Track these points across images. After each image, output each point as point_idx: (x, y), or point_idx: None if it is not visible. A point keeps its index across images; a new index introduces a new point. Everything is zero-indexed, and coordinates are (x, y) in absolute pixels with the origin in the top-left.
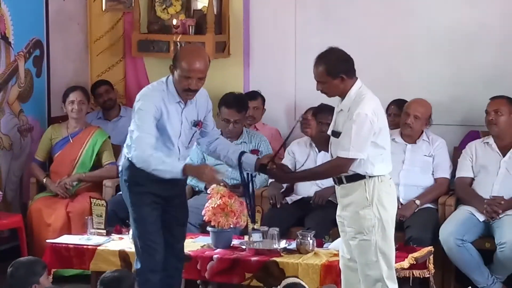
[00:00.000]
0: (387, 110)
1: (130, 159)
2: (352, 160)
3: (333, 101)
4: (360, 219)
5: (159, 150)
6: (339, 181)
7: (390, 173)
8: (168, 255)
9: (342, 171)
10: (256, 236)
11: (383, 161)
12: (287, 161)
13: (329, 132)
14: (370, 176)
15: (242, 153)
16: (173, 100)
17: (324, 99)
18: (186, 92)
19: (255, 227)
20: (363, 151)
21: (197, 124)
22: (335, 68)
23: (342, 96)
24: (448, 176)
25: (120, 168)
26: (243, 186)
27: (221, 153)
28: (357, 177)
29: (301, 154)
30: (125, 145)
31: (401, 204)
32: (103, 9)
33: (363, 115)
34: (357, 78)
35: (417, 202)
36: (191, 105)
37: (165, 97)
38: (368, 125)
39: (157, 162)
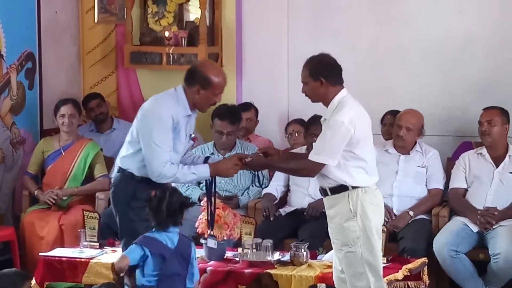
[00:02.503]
0: (382, 120)
1: (130, 171)
2: (320, 165)
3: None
4: (345, 231)
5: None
6: (325, 193)
7: (377, 184)
8: None
9: (309, 174)
10: (211, 242)
11: (366, 173)
12: (279, 175)
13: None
14: (353, 187)
15: (207, 158)
16: (183, 113)
17: (317, 110)
18: (209, 107)
19: (212, 233)
20: (333, 158)
21: (192, 138)
22: (317, 70)
23: (325, 103)
24: (441, 187)
25: (113, 181)
26: (206, 191)
27: (186, 161)
28: (341, 188)
29: None
30: (119, 157)
31: (395, 215)
32: (96, 21)
33: (339, 122)
34: (342, 88)
35: (411, 213)
36: (192, 119)
37: (177, 110)
38: (342, 133)
39: (184, 176)
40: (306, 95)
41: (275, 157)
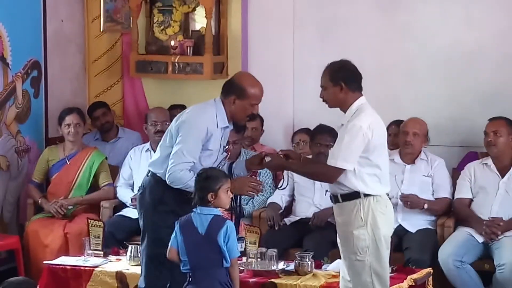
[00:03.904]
0: (387, 130)
1: (159, 175)
2: (339, 170)
3: (331, 122)
4: (354, 239)
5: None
6: (335, 200)
7: (388, 194)
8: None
9: (329, 180)
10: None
11: (379, 182)
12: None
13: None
14: (365, 195)
15: (232, 163)
16: (221, 124)
17: (322, 120)
18: (246, 118)
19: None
20: (350, 162)
21: (226, 150)
22: (337, 75)
23: (343, 108)
24: (449, 196)
25: (142, 184)
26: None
27: None
28: (353, 196)
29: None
30: (151, 161)
31: (400, 224)
32: (101, 30)
33: (357, 126)
34: (361, 95)
35: (425, 206)
36: (227, 131)
37: (214, 121)
38: (360, 137)
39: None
40: (323, 100)
41: (296, 161)
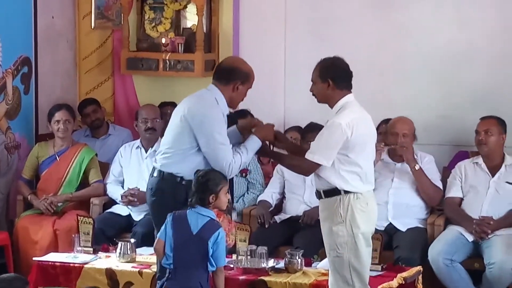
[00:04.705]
0: (377, 129)
1: (180, 175)
2: (315, 165)
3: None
4: (333, 235)
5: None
6: (319, 195)
7: (371, 192)
8: None
9: (303, 173)
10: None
11: (360, 179)
12: (275, 179)
13: None
14: (345, 192)
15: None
16: (225, 111)
17: (313, 118)
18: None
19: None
20: (327, 158)
21: None
22: (326, 72)
23: (330, 105)
24: (440, 186)
25: (155, 186)
26: None
27: None
28: (333, 192)
29: (290, 173)
30: (165, 164)
31: (390, 223)
32: (92, 27)
33: (336, 123)
34: (350, 93)
35: (417, 167)
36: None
37: (220, 109)
38: (338, 134)
39: (247, 157)
40: (313, 95)
41: (277, 152)
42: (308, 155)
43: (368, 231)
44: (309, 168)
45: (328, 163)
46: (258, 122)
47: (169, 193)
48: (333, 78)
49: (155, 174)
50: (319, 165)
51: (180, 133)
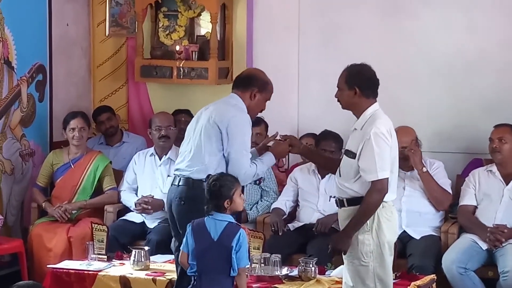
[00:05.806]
0: None
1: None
2: (384, 181)
3: (336, 127)
4: (359, 244)
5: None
6: (341, 204)
7: (393, 201)
8: None
9: (381, 197)
10: None
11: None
12: (289, 187)
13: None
14: None
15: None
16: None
17: (327, 125)
18: (257, 114)
19: None
20: (387, 169)
21: None
22: (353, 79)
23: (355, 113)
24: (449, 190)
25: (185, 195)
26: None
27: None
28: (359, 201)
29: (303, 181)
30: (196, 171)
31: (404, 231)
32: (107, 35)
33: (380, 134)
34: (375, 101)
35: (424, 169)
36: None
37: None
38: (384, 143)
39: (261, 170)
40: (338, 101)
41: (351, 221)
42: (371, 177)
43: (392, 239)
44: (382, 186)
45: (388, 173)
46: (274, 140)
47: (201, 200)
48: (360, 86)
49: (181, 183)
50: (387, 178)
51: (207, 138)
